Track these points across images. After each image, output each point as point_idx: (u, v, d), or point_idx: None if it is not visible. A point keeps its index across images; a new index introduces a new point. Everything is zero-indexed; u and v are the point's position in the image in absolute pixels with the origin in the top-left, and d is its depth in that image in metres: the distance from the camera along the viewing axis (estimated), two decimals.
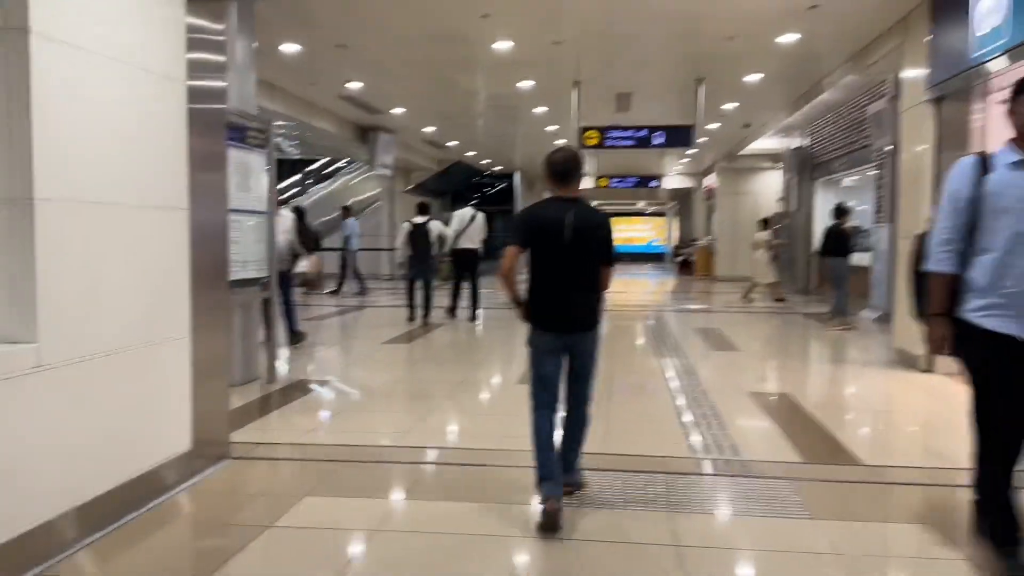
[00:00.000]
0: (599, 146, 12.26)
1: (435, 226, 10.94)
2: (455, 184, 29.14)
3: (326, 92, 12.73)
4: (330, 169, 25.16)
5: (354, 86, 12.16)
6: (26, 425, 2.97)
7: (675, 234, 35.22)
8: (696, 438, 5.03)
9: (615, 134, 12.29)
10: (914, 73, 8.08)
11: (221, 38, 4.46)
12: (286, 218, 8.34)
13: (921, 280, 3.18)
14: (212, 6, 4.37)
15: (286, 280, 8.45)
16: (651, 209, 42.49)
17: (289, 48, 9.67)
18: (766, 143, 18.56)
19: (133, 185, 3.62)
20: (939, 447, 4.97)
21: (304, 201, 23.76)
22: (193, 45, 4.14)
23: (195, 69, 4.16)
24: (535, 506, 3.64)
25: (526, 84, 11.91)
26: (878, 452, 4.93)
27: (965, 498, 3.32)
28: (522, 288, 3.71)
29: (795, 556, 3.24)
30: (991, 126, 7.30)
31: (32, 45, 2.97)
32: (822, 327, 11.07)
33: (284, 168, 25.82)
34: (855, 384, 7.24)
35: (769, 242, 14.76)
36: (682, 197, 32.06)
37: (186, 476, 4.09)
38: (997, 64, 6.33)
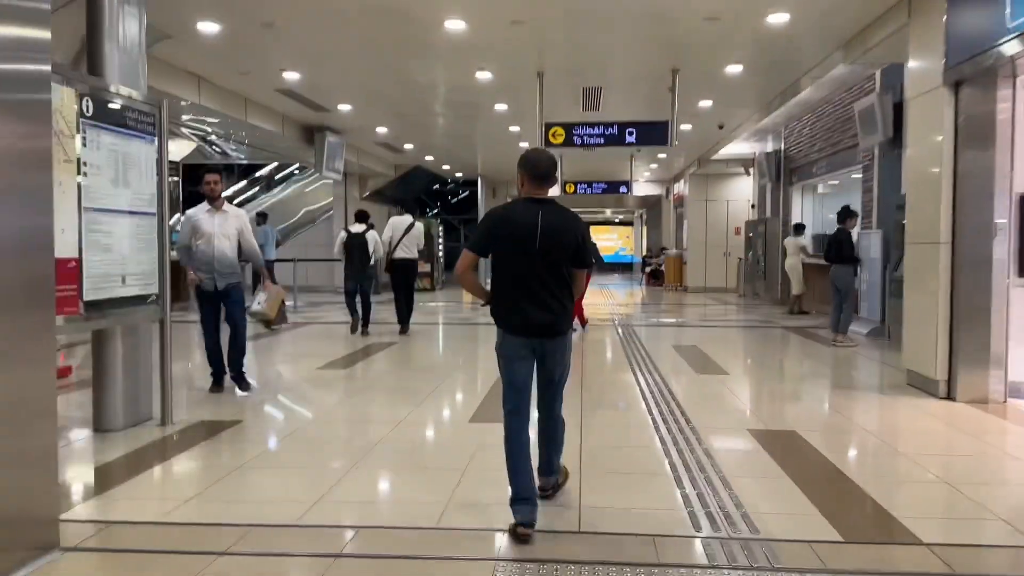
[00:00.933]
0: (565, 144, 11.08)
1: (372, 236, 10.89)
2: (415, 191, 27.90)
3: (261, 84, 11.40)
4: (282, 175, 23.75)
5: (291, 77, 10.85)
6: None
7: (643, 243, 34.33)
8: (695, 505, 3.83)
9: (583, 131, 11.12)
10: (924, 56, 7.03)
11: None
12: (239, 218, 6.67)
13: None
14: None
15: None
16: (619, 217, 41.70)
17: (207, 27, 8.36)
18: (738, 148, 17.76)
19: None
20: (1007, 511, 3.83)
21: (252, 210, 22.38)
22: None
23: None
24: (506, 524, 3.41)
25: (484, 76, 10.71)
26: (937, 523, 3.76)
27: None
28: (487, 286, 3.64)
29: None
30: None
31: None
32: (826, 343, 9.98)
33: (231, 173, 24.46)
34: (873, 417, 6.11)
35: (805, 248, 13.69)
36: (651, 205, 31.16)
37: None
38: None
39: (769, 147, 17.49)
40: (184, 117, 12.73)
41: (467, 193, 33.21)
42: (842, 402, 6.66)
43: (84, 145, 4.65)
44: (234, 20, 8.18)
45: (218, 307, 6.52)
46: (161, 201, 5.43)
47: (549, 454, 3.83)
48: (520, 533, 3.32)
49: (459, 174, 25.61)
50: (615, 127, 11.14)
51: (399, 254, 10.84)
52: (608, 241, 41.82)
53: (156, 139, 5.40)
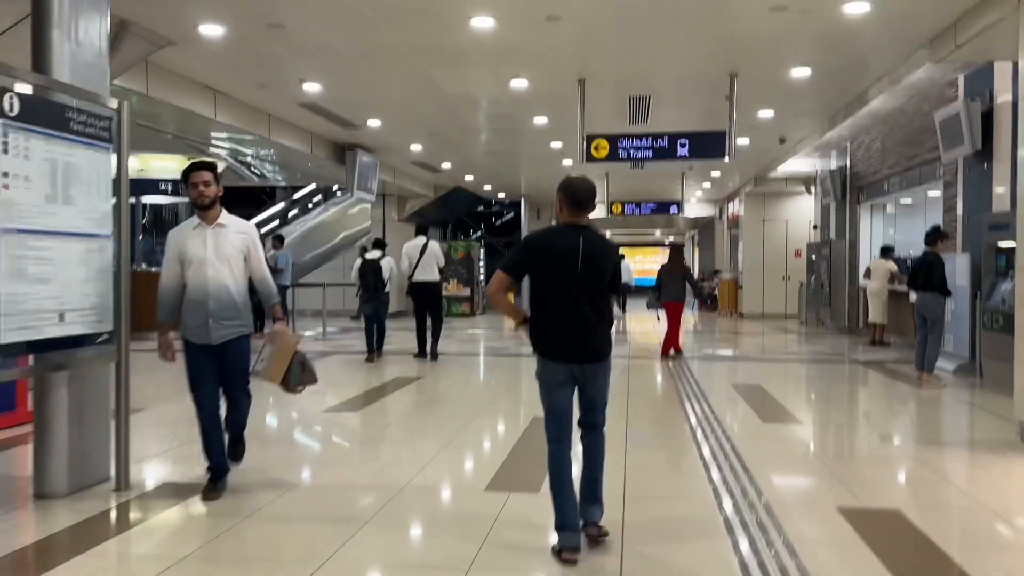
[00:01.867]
0: (609, 158, 10.01)
1: (387, 262, 10.91)
2: (455, 213, 27.10)
3: (281, 98, 10.62)
4: (318, 198, 23.12)
5: (312, 88, 10.04)
6: None
7: (696, 266, 33.01)
8: None
9: (629, 144, 10.03)
10: None
11: None
12: (245, 234, 4.57)
13: None
14: None
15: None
16: (669, 239, 40.41)
17: (210, 30, 7.57)
18: (798, 164, 16.69)
19: None
20: None
21: (293, 232, 21.77)
22: None
23: None
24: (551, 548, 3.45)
25: (520, 84, 9.75)
26: None
27: None
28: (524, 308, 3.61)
29: None
30: None
31: None
32: (911, 383, 8.66)
33: (270, 196, 23.98)
34: (996, 489, 4.85)
35: (896, 274, 12.37)
36: (703, 226, 29.87)
37: None
38: None
39: (833, 163, 16.25)
40: (212, 135, 12.09)
41: (511, 215, 32.33)
42: (949, 466, 5.41)
43: (4, 152, 3.78)
44: (237, 21, 7.37)
45: (215, 367, 4.41)
46: (118, 221, 4.54)
47: (589, 483, 3.65)
48: (565, 558, 3.39)
49: (501, 195, 24.71)
50: (665, 139, 10.03)
51: (418, 277, 10.43)
52: (657, 264, 40.26)
53: (114, 148, 4.53)
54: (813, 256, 17.39)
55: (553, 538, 3.51)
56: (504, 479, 4.84)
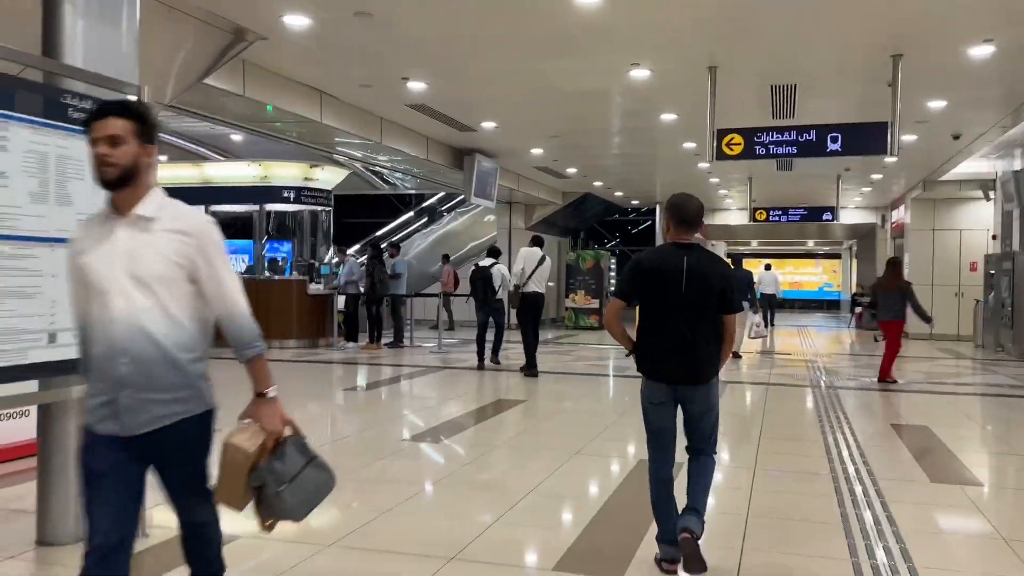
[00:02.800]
0: (744, 155, 8.71)
1: (497, 270, 10.82)
2: (587, 221, 26.07)
3: (387, 98, 10.06)
4: (448, 205, 22.80)
5: (417, 87, 9.40)
6: None
7: (853, 278, 30.45)
8: None
9: (768, 138, 8.66)
10: None
11: None
12: (190, 235, 3.72)
13: None
14: None
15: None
16: (824, 249, 37.70)
17: (295, 21, 7.02)
18: (975, 165, 14.80)
19: None
20: None
21: (418, 243, 21.58)
22: None
23: None
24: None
25: (640, 75, 8.65)
26: None
27: None
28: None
29: None
30: None
31: None
32: None
33: (405, 204, 23.96)
34: None
35: None
36: (863, 235, 27.30)
37: None
38: None
39: (1017, 163, 14.09)
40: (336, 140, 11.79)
41: (649, 223, 30.91)
42: None
43: None
44: (321, 9, 6.77)
45: (133, 474, 2.46)
46: None
47: (692, 501, 3.53)
48: (666, 569, 3.49)
49: (635, 202, 23.51)
50: (812, 132, 8.57)
51: (531, 287, 10.20)
52: (810, 276, 38.02)
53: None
54: (992, 270, 15.59)
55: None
56: (579, 556, 3.82)
